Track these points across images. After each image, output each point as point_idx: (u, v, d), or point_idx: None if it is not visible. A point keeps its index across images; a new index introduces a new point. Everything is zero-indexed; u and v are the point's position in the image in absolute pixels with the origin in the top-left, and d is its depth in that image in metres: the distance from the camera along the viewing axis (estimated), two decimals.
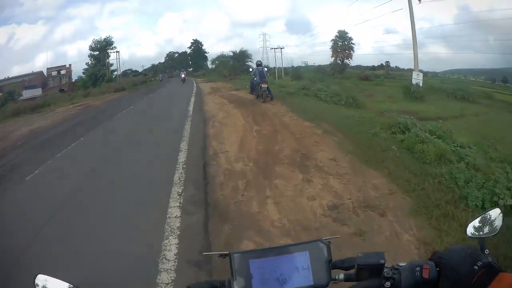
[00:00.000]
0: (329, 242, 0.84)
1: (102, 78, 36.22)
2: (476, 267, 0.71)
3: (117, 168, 7.07)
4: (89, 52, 36.67)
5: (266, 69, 16.24)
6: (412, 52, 15.89)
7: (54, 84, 44.16)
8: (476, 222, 0.86)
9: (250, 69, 16.83)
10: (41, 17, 27.89)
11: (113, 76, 39.32)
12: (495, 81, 17.00)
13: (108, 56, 39.76)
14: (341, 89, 16.90)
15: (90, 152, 8.73)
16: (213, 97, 18.57)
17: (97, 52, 37.49)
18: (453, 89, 15.40)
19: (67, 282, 0.77)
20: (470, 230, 0.86)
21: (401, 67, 20.73)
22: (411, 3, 15.64)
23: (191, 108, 14.34)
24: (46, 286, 0.76)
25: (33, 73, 38.28)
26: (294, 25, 28.41)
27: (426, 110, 12.76)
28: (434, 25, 17.50)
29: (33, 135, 12.69)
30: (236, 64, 26.34)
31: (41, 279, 0.76)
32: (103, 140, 10.05)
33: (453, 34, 16.51)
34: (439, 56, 17.81)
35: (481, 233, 0.83)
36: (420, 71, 16.24)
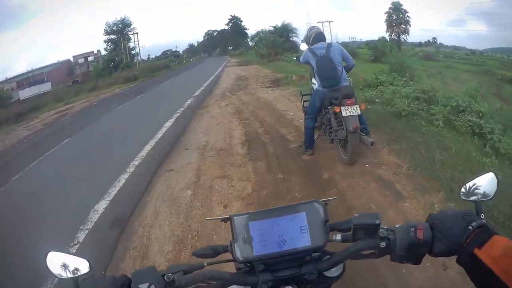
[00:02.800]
0: (326, 203, 0.76)
1: (119, 65, 31.78)
2: (470, 227, 0.64)
3: None
4: (104, 37, 33.02)
5: (336, 45, 4.33)
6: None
7: (81, 71, 41.57)
8: (469, 185, 0.77)
9: (300, 50, 4.73)
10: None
11: (134, 61, 36.71)
12: None
13: (128, 39, 37.02)
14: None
15: None
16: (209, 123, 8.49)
17: (114, 36, 33.72)
18: None
19: (78, 256, 0.72)
20: (464, 193, 0.77)
21: (445, 43, 18.63)
22: None
23: None
24: (58, 262, 0.71)
25: (59, 62, 35.64)
26: None
27: None
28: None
29: None
30: (277, 40, 20.05)
31: (52, 255, 0.72)
32: None
33: (494, 11, 15.33)
34: (479, 33, 16.46)
35: (475, 197, 0.75)
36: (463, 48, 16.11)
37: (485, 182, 0.76)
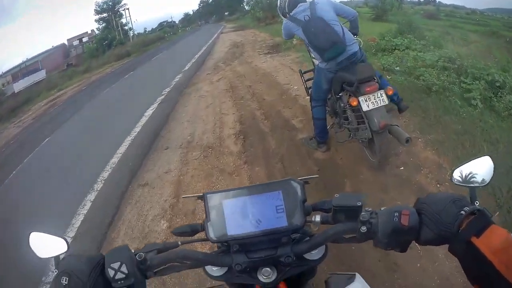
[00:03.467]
0: (306, 182, 0.71)
1: (113, 43, 32.33)
2: (462, 213, 0.55)
3: None
4: (95, 17, 34.48)
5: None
6: None
7: (76, 53, 41.12)
8: (463, 169, 0.67)
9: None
10: None
11: (128, 37, 36.02)
12: None
13: (120, 16, 36.44)
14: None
15: None
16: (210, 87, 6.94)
17: (105, 15, 34.41)
18: None
19: (59, 236, 0.71)
20: (456, 176, 0.67)
21: (443, 1, 17.85)
22: None
23: None
24: (40, 242, 0.72)
25: (53, 48, 35.90)
26: None
27: None
28: None
29: None
30: (273, 2, 18.03)
31: (34, 236, 0.72)
32: None
33: None
34: None
35: (469, 181, 0.66)
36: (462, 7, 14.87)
37: (481, 167, 0.66)
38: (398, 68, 4.94)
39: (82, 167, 4.52)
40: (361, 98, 2.42)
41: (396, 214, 0.59)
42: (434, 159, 2.76)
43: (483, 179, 0.65)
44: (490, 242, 0.51)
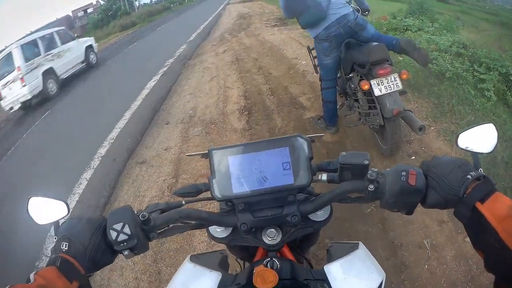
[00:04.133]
0: (312, 139, 0.68)
1: (117, 13, 31.13)
2: (469, 177, 0.54)
3: None
4: None
5: None
6: None
7: (81, 24, 40.89)
8: (467, 134, 0.65)
9: None
10: None
11: (136, 5, 35.36)
12: None
13: None
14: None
15: None
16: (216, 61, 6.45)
17: None
18: None
19: (57, 199, 0.68)
20: (461, 141, 0.65)
21: None
22: None
23: None
24: (39, 207, 0.68)
25: (57, 20, 35.08)
26: None
27: None
28: None
29: None
30: None
31: (33, 201, 0.68)
32: None
33: None
34: None
35: (473, 148, 0.63)
36: None
37: (485, 134, 0.64)
38: None
39: (81, 142, 4.30)
40: (373, 82, 2.16)
41: (404, 173, 0.57)
42: (446, 151, 2.55)
43: (486, 146, 0.63)
44: (494, 209, 0.50)
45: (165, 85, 5.46)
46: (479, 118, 2.90)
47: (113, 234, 0.57)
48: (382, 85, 2.15)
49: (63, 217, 0.65)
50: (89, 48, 9.47)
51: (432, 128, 2.83)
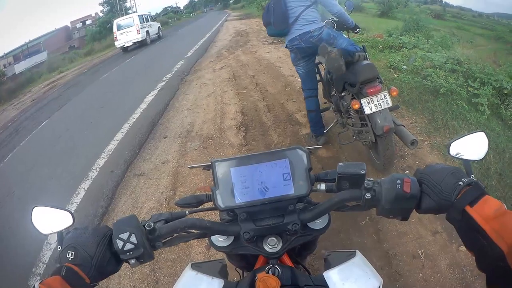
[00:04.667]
0: (310, 151, 0.71)
1: None
2: (460, 183, 0.57)
3: None
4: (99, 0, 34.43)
5: None
6: None
7: (79, 35, 41.06)
8: (459, 142, 0.69)
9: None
10: None
11: None
12: None
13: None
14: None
15: None
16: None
17: None
18: None
19: (61, 209, 0.69)
20: (453, 149, 0.69)
21: (450, 3, 17.78)
22: None
23: None
24: (43, 217, 0.68)
25: (56, 30, 36.21)
26: None
27: None
28: None
29: None
30: None
31: (37, 210, 0.69)
32: None
33: None
34: None
35: (464, 155, 0.67)
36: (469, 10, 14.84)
37: (476, 142, 0.68)
38: (405, 66, 4.72)
39: (78, 154, 4.32)
40: (363, 101, 2.26)
41: (399, 181, 0.59)
42: None
43: (477, 154, 0.67)
44: (482, 211, 0.53)
45: (163, 100, 5.54)
46: (473, 129, 3.03)
47: (120, 243, 0.58)
48: (372, 103, 2.25)
49: (67, 227, 0.66)
50: (159, 28, 17.65)
51: (426, 142, 2.94)
